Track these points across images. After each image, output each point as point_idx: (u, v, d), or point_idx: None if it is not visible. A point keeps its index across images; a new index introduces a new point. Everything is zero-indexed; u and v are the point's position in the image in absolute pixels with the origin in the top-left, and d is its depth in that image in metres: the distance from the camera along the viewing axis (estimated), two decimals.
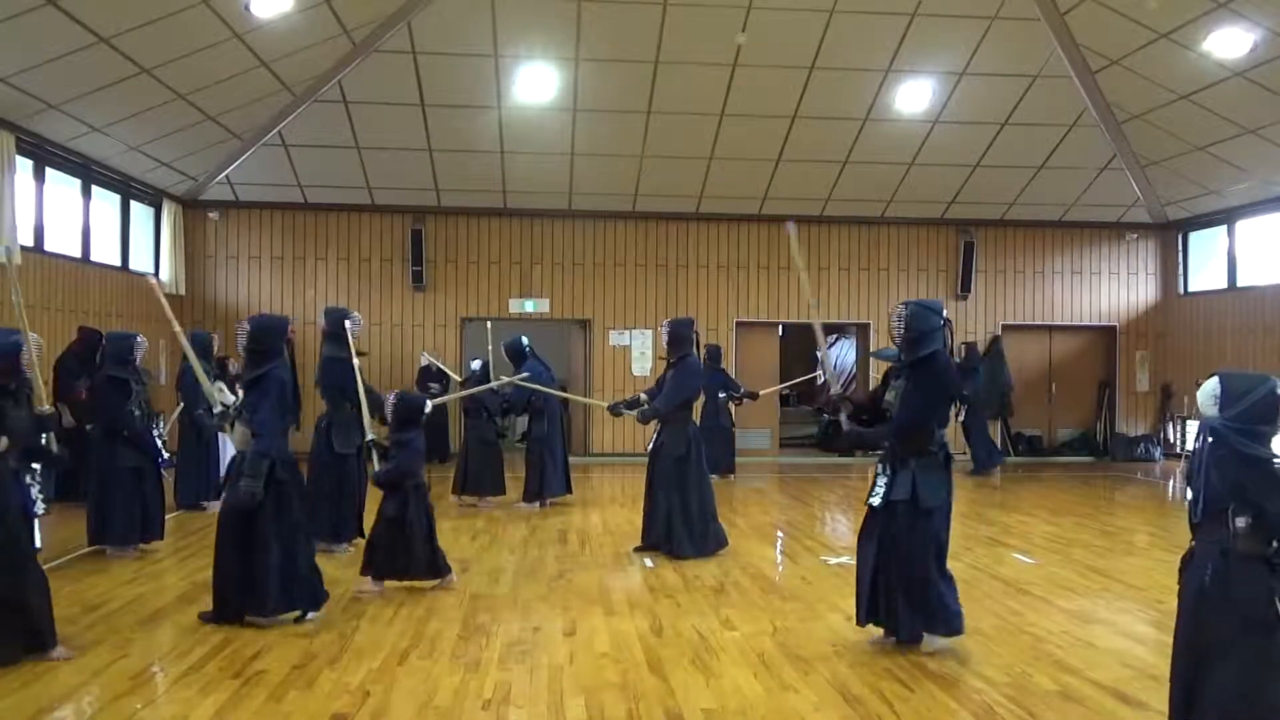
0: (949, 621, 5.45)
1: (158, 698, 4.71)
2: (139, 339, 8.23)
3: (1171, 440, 16.71)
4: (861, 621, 5.60)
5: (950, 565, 7.86)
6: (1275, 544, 3.62)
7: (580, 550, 8.53)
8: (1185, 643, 3.81)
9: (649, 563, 7.97)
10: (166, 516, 8.64)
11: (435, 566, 6.92)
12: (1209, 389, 3.78)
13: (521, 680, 5.01)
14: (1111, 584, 7.29)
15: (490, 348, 11.30)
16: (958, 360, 14.80)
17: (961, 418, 14.57)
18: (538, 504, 10.64)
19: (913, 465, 5.40)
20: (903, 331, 5.44)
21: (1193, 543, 3.85)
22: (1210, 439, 3.70)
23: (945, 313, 5.50)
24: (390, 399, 7.17)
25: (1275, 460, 3.66)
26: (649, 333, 16.10)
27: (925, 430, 5.44)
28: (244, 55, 11.16)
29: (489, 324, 12.21)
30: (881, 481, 5.54)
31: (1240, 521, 3.62)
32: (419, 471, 6.95)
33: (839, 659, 5.38)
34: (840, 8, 11.70)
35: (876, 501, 5.51)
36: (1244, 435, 3.61)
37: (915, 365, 5.44)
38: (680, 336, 8.71)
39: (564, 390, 13.57)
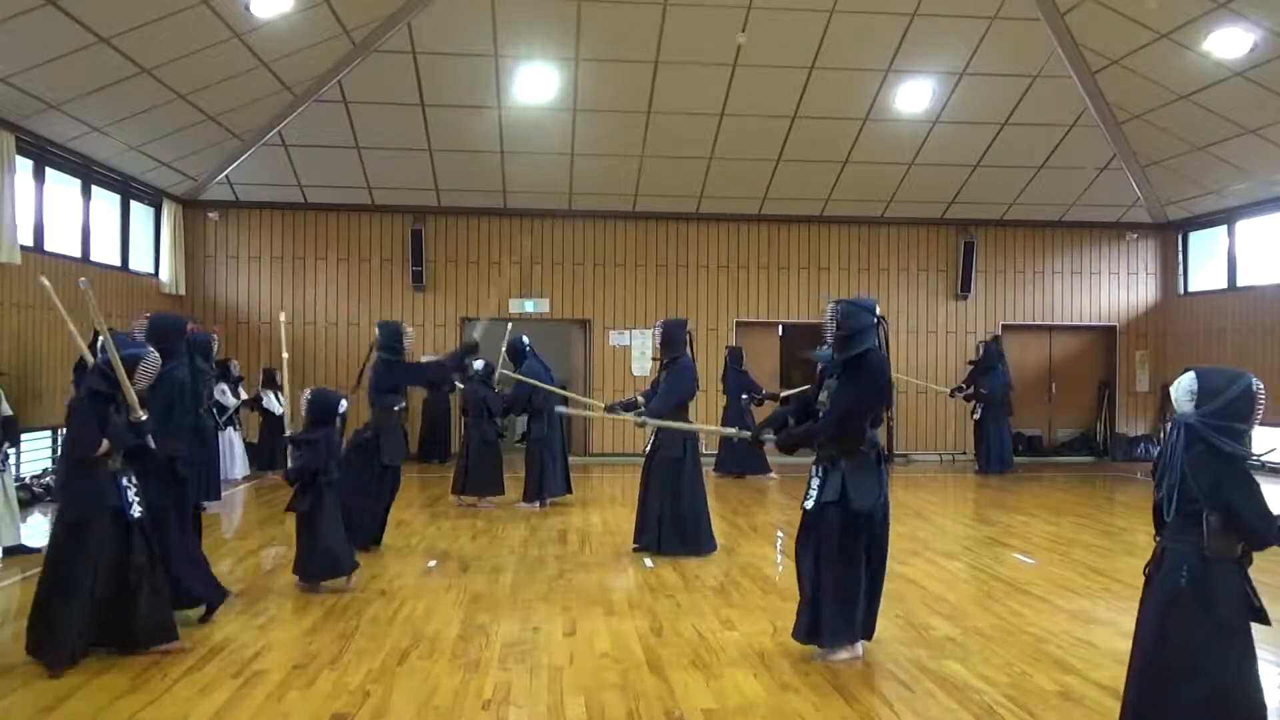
0: (851, 632, 5.30)
1: (158, 698, 4.71)
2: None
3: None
4: (799, 638, 5.39)
5: (951, 565, 7.92)
6: (1243, 545, 3.57)
7: (580, 550, 8.53)
8: (1149, 651, 3.72)
9: (649, 563, 7.97)
10: None
11: (340, 564, 6.85)
12: (1185, 385, 3.69)
13: (521, 680, 5.01)
14: (1111, 584, 7.29)
15: (503, 349, 11.26)
16: (976, 359, 14.87)
17: (976, 416, 14.58)
18: (538, 504, 10.64)
19: (843, 466, 5.27)
20: (835, 330, 5.33)
21: (1160, 544, 3.75)
22: (1184, 436, 3.61)
23: (879, 310, 5.40)
24: (305, 395, 7.14)
25: (1252, 459, 3.61)
26: (649, 333, 16.09)
27: (857, 429, 5.29)
28: (244, 55, 11.16)
29: (508, 325, 12.19)
30: (814, 483, 5.41)
31: (1214, 521, 3.55)
32: (330, 469, 6.88)
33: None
34: (840, 8, 11.70)
35: (810, 505, 5.37)
36: (1221, 432, 3.53)
37: (847, 364, 5.33)
38: (674, 338, 8.50)
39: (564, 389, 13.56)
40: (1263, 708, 3.59)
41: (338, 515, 6.92)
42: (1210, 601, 3.56)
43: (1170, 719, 3.60)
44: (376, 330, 8.65)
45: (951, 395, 14.91)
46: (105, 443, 5.16)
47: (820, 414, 5.46)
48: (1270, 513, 3.54)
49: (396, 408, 8.39)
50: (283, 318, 8.16)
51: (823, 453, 5.40)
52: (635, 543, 8.39)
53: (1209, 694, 3.52)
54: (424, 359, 15.01)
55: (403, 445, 8.31)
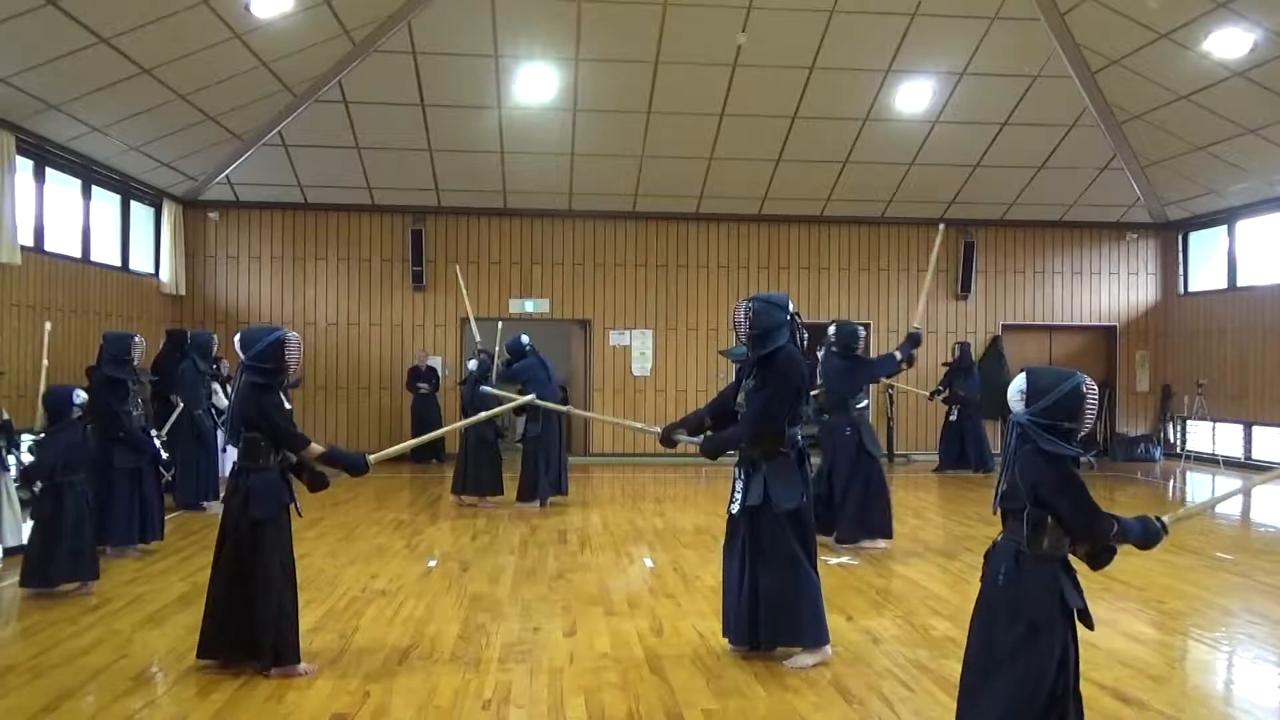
0: (817, 635, 5.25)
1: (158, 698, 4.71)
2: (137, 339, 8.22)
3: (1172, 440, 16.70)
4: (727, 636, 5.40)
5: (950, 565, 7.91)
6: (1068, 545, 3.56)
7: (580, 550, 8.53)
8: (969, 648, 3.68)
9: (649, 563, 7.97)
10: (167, 517, 8.64)
11: (82, 569, 6.71)
12: (1016, 384, 3.72)
13: (521, 680, 5.01)
14: (1111, 584, 7.28)
15: (497, 348, 11.30)
16: (952, 360, 14.90)
17: (954, 417, 14.61)
18: (538, 504, 10.64)
19: (764, 468, 5.18)
20: (748, 329, 5.22)
21: (998, 537, 3.73)
22: (1015, 436, 3.62)
23: (792, 306, 5.30)
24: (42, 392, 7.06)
25: (1080, 459, 3.59)
26: (649, 333, 16.12)
27: (775, 429, 5.19)
28: (244, 55, 11.16)
29: (499, 324, 12.23)
30: (738, 486, 5.31)
31: (1033, 518, 3.53)
32: (72, 467, 6.69)
33: (839, 659, 5.37)
34: (840, 8, 11.70)
35: (735, 509, 5.27)
36: (1048, 431, 3.53)
37: (761, 362, 5.25)
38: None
39: (565, 395, 13.59)
40: (1068, 713, 3.52)
41: (85, 517, 6.68)
42: (1021, 600, 3.53)
43: (974, 717, 3.57)
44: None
45: (931, 398, 14.96)
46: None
47: (738, 415, 5.38)
48: (1095, 511, 3.57)
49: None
50: (48, 326, 8.21)
51: (744, 454, 5.32)
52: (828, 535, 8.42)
53: (1011, 693, 3.46)
54: (418, 356, 15.05)
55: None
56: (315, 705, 4.60)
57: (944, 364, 15.38)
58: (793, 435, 5.28)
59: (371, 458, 5.35)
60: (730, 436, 5.39)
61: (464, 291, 12.55)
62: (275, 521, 5.03)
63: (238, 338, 5.18)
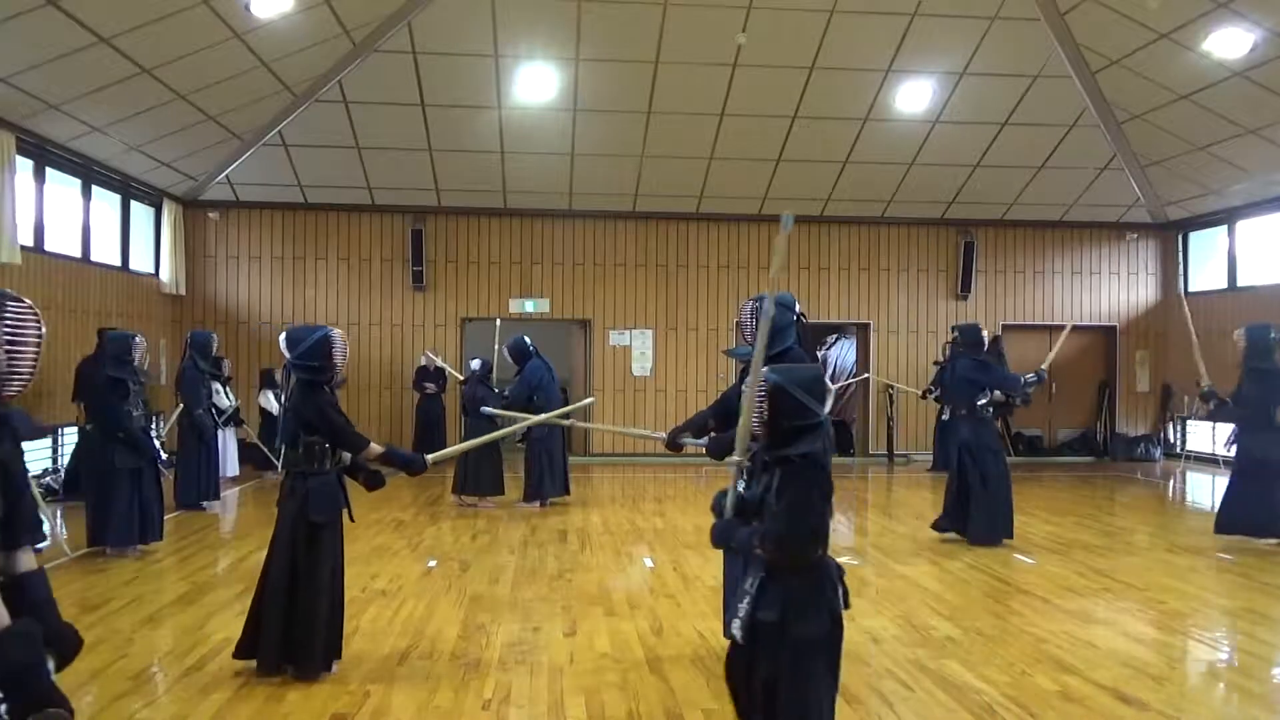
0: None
1: (158, 698, 4.71)
2: (138, 339, 8.22)
3: (1172, 440, 16.70)
4: (725, 633, 5.40)
5: (951, 565, 7.92)
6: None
7: (580, 550, 8.53)
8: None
9: (649, 562, 7.97)
10: (167, 517, 8.64)
11: None
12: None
13: (521, 680, 5.01)
14: (1111, 584, 7.29)
15: (497, 346, 11.32)
16: (943, 359, 14.92)
17: (945, 416, 14.62)
18: (538, 504, 10.64)
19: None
20: (755, 329, 5.15)
21: None
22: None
23: (798, 307, 5.30)
24: None
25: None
26: (649, 332, 16.11)
27: None
28: (244, 55, 11.16)
29: (497, 322, 12.25)
30: (740, 485, 5.35)
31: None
32: None
33: None
34: (840, 8, 11.70)
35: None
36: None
37: (768, 362, 5.25)
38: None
39: (565, 396, 13.59)
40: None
41: None
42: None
43: None
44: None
45: (923, 397, 14.97)
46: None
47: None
48: None
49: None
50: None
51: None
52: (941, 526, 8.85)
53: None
54: (422, 358, 15.05)
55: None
56: (315, 705, 4.60)
57: (935, 363, 15.39)
58: None
59: (429, 457, 5.37)
60: (734, 437, 5.36)
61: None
62: (332, 525, 5.04)
63: (283, 337, 5.18)
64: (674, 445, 5.65)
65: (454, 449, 6.16)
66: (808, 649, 3.32)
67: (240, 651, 5.04)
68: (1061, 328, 16.80)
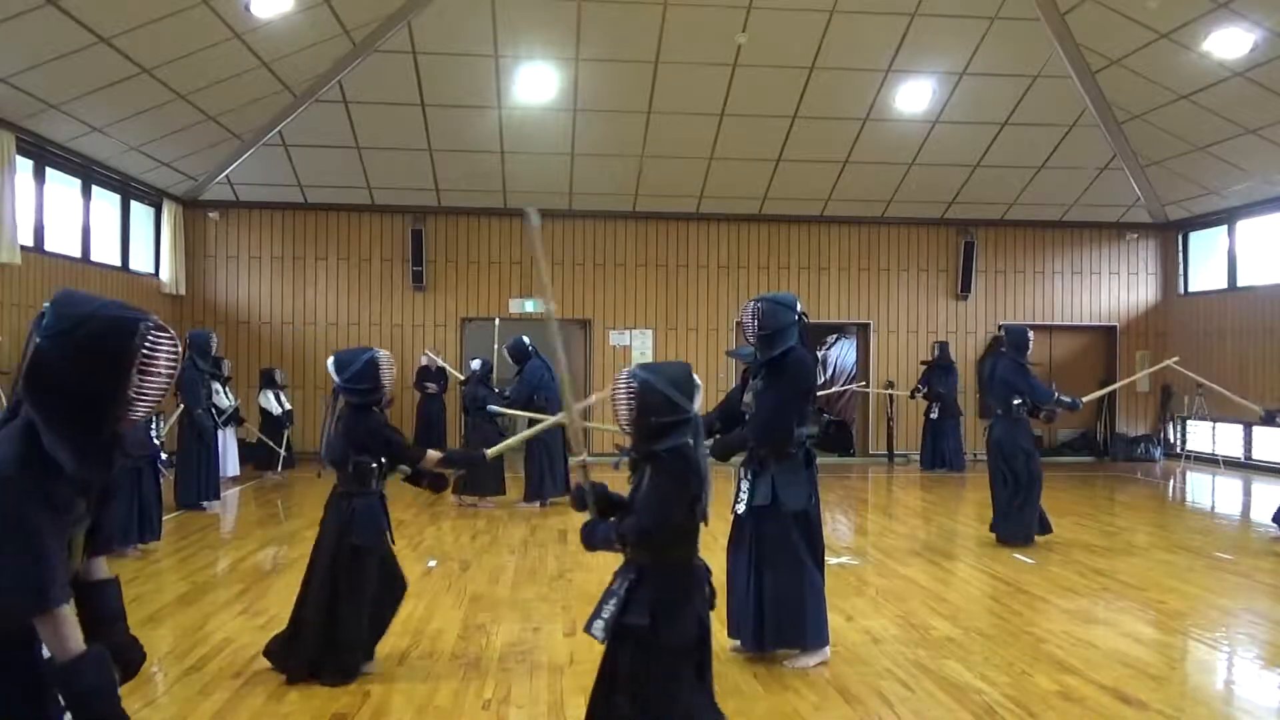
0: (817, 636, 5.26)
1: (157, 698, 4.71)
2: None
3: (1172, 440, 16.70)
4: (735, 637, 5.39)
5: (951, 565, 7.92)
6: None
7: (580, 550, 8.50)
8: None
9: None
10: (166, 517, 8.64)
11: None
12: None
13: (521, 680, 5.01)
14: (1111, 584, 7.29)
15: (496, 346, 11.33)
16: (932, 358, 14.96)
17: (934, 415, 14.66)
18: (538, 504, 10.64)
19: (772, 468, 5.19)
20: (756, 329, 5.23)
21: None
22: None
23: (799, 307, 5.34)
24: None
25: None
26: (649, 332, 16.11)
27: (784, 430, 5.20)
28: (244, 55, 11.16)
29: (496, 321, 12.25)
30: (744, 486, 5.30)
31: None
32: None
33: (839, 659, 5.37)
34: (840, 8, 11.70)
35: (741, 509, 5.25)
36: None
37: (770, 364, 5.25)
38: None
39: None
40: None
41: None
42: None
43: None
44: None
45: (911, 397, 14.97)
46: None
47: (745, 416, 5.38)
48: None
49: None
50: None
51: (751, 455, 5.34)
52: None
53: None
54: (423, 358, 15.06)
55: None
56: (315, 705, 4.60)
57: (922, 362, 15.40)
58: (800, 436, 5.29)
59: (489, 453, 5.54)
60: (739, 438, 5.38)
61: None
62: (376, 549, 5.05)
63: (331, 362, 5.16)
64: None
65: (511, 441, 6.50)
66: (677, 653, 3.33)
67: (274, 660, 5.02)
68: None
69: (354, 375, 5.03)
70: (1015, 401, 8.77)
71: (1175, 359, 10.83)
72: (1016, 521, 8.69)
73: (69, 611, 2.28)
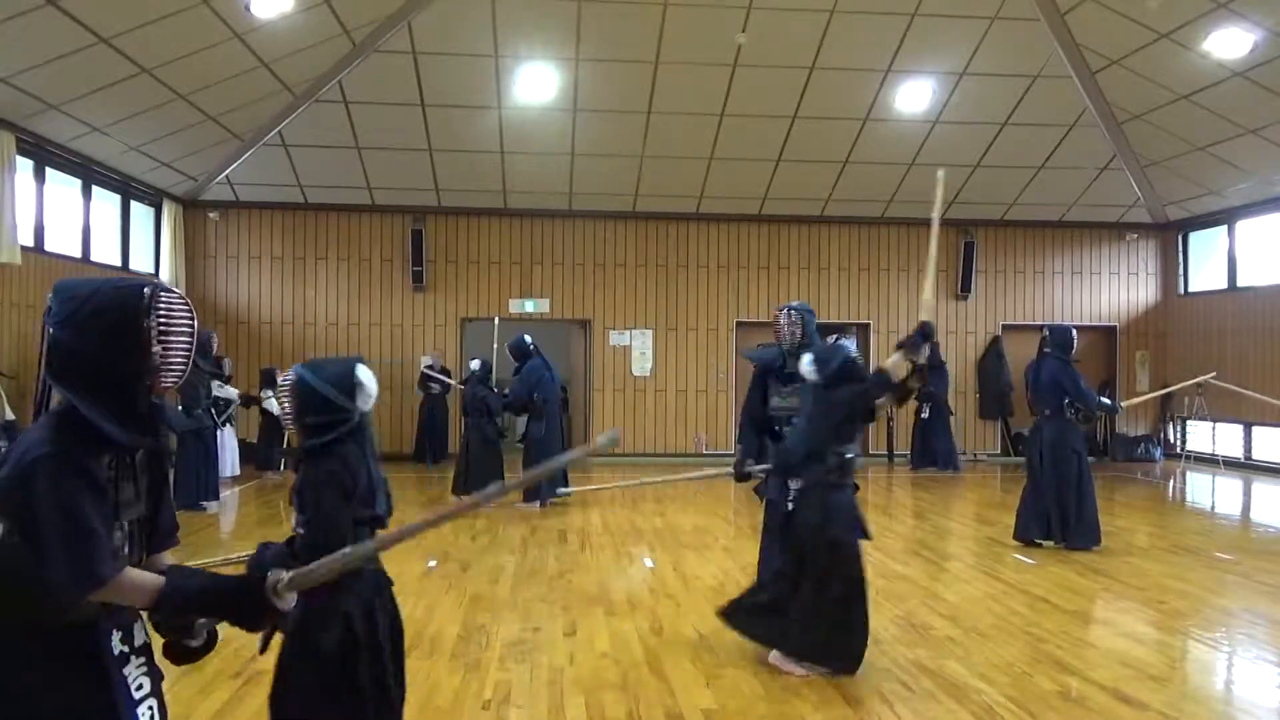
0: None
1: None
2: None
3: (1172, 440, 16.70)
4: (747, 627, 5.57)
5: (951, 565, 7.92)
6: None
7: (580, 550, 8.53)
8: None
9: (649, 562, 7.97)
10: None
11: None
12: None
13: (521, 680, 5.01)
14: (1111, 584, 7.29)
15: (496, 346, 11.33)
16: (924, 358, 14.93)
17: (925, 415, 14.67)
18: (538, 504, 10.64)
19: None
20: (798, 336, 5.53)
21: None
22: None
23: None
24: None
25: None
26: (649, 332, 16.11)
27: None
28: (244, 55, 11.16)
29: (496, 321, 12.25)
30: (794, 485, 5.43)
31: None
32: None
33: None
34: (840, 8, 11.70)
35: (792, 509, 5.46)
36: None
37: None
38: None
39: (565, 396, 13.59)
40: None
41: None
42: None
43: None
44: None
45: None
46: None
47: (776, 420, 5.49)
48: None
49: None
50: None
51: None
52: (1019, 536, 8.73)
53: None
54: (425, 360, 15.07)
55: None
56: None
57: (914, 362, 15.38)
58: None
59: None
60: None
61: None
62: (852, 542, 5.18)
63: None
64: (742, 477, 5.92)
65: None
66: (322, 657, 3.22)
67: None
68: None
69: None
70: (1065, 401, 8.71)
71: (1212, 374, 10.82)
72: (1080, 526, 8.48)
73: (131, 573, 2.24)
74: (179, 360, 2.30)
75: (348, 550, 2.47)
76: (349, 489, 3.29)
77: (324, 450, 3.30)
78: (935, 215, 5.00)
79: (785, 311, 5.45)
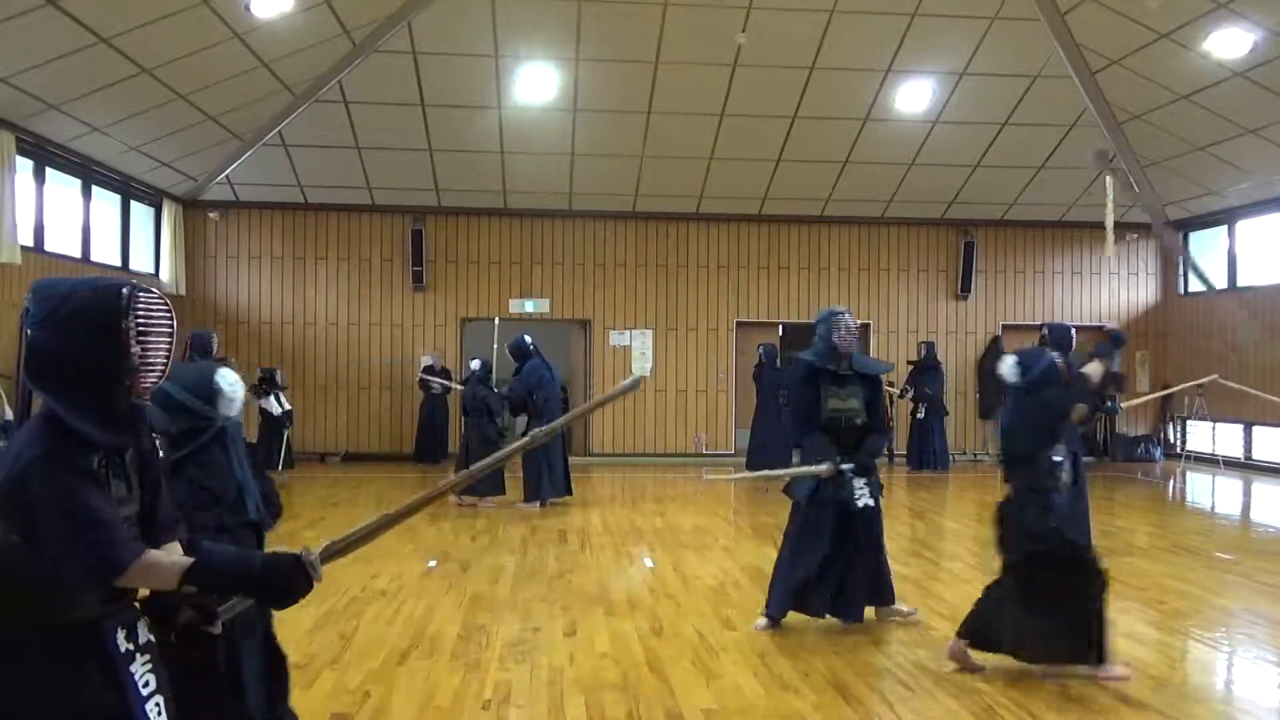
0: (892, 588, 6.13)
1: None
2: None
3: (1172, 440, 16.70)
4: (819, 612, 5.92)
5: (951, 565, 7.92)
6: None
7: (580, 550, 8.53)
8: None
9: (649, 562, 7.97)
10: None
11: None
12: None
13: (521, 680, 5.01)
14: (1111, 584, 7.26)
15: (495, 346, 11.33)
16: (918, 359, 14.98)
17: (921, 415, 14.67)
18: (538, 504, 10.64)
19: (877, 470, 6.08)
20: (855, 341, 5.96)
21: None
22: None
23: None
24: None
25: None
26: (649, 332, 16.11)
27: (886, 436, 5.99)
28: (244, 55, 11.16)
29: (496, 321, 12.24)
30: (859, 484, 5.91)
31: None
32: None
33: (839, 659, 5.38)
34: (840, 8, 11.70)
35: (863, 504, 5.93)
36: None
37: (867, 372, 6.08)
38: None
39: (566, 395, 13.57)
40: None
41: None
42: None
43: None
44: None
45: (900, 396, 15.00)
46: None
47: (843, 420, 5.89)
48: None
49: None
50: None
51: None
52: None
53: None
54: (424, 360, 15.07)
55: None
56: (315, 705, 4.60)
57: (909, 362, 15.39)
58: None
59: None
60: (878, 445, 6.14)
61: None
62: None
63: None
64: (835, 475, 6.08)
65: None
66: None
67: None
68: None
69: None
70: None
71: (1215, 376, 10.86)
72: (1075, 525, 8.57)
73: (152, 554, 2.23)
74: (158, 360, 2.30)
75: (374, 519, 2.49)
76: (219, 494, 3.29)
77: (189, 459, 3.29)
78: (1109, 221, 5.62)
79: (848, 316, 5.75)
